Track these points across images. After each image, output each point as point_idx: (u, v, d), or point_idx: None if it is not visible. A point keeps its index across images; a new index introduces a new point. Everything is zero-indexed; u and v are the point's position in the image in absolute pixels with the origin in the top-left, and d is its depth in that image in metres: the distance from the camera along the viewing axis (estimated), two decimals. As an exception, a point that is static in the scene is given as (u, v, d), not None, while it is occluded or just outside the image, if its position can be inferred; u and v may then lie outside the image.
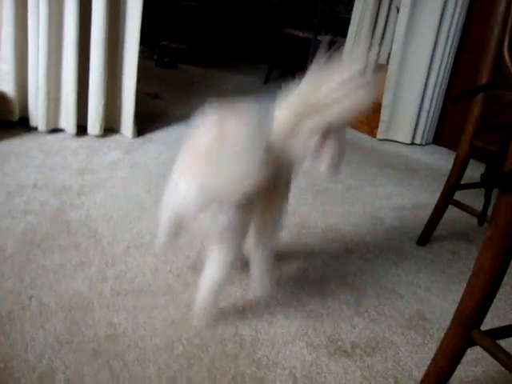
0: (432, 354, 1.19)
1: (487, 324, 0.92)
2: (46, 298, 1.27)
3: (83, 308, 1.25)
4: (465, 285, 1.65)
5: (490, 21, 1.60)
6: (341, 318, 1.38)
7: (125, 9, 2.37)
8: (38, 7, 2.21)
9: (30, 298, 1.26)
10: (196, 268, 1.46)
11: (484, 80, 1.63)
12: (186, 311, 1.29)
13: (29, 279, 1.33)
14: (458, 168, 1.75)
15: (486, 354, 0.88)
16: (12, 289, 1.28)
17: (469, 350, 0.91)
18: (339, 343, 1.28)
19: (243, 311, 1.33)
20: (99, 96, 2.39)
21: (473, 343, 0.88)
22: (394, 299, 1.52)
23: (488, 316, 0.90)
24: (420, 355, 1.28)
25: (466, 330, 0.88)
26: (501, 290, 0.89)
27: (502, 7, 1.55)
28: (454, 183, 1.77)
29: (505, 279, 0.87)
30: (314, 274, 1.58)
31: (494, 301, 0.88)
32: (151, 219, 1.75)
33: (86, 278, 1.37)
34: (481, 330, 0.87)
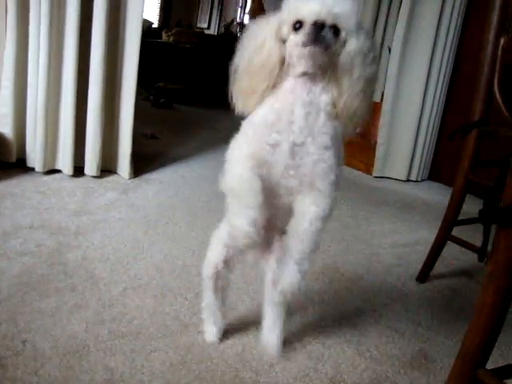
0: (437, 395, 1.16)
1: (492, 362, 0.90)
2: (41, 342, 1.24)
3: (79, 352, 1.22)
4: (467, 322, 1.62)
5: (479, 58, 1.64)
6: (342, 358, 1.35)
7: (123, 51, 2.42)
8: (38, 49, 2.26)
9: (24, 342, 1.23)
10: (194, 310, 1.44)
11: (477, 116, 1.65)
12: (185, 354, 1.26)
13: (23, 323, 1.30)
14: (455, 203, 1.76)
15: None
16: (5, 333, 1.25)
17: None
18: (341, 385, 1.25)
19: (243, 352, 1.30)
20: (96, 137, 2.41)
21: (478, 382, 0.86)
22: (395, 338, 1.49)
23: (493, 353, 0.89)
24: (424, 396, 1.25)
25: (471, 370, 0.86)
26: (505, 327, 0.87)
27: (490, 46, 1.59)
28: (451, 219, 1.77)
29: (509, 316, 0.85)
30: (314, 313, 1.56)
31: (499, 337, 0.86)
32: (148, 260, 1.74)
33: (83, 321, 1.34)
34: (487, 369, 0.85)
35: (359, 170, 3.53)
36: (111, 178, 2.54)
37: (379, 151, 3.40)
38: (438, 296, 1.81)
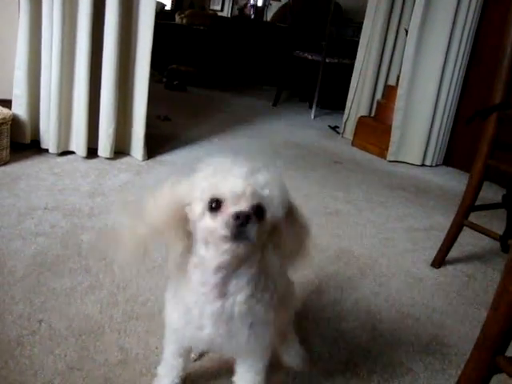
0: (452, 381, 1.15)
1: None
2: (56, 322, 1.25)
3: (94, 332, 1.23)
4: (482, 308, 1.61)
5: (501, 40, 1.59)
6: (356, 343, 1.35)
7: (136, 33, 2.40)
8: (51, 33, 2.24)
9: (40, 322, 1.24)
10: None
11: (497, 99, 1.61)
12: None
13: (39, 303, 1.31)
14: (473, 188, 1.72)
15: (512, 382, 0.85)
16: (22, 313, 1.26)
17: (494, 377, 0.88)
18: (356, 369, 1.24)
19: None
20: (110, 119, 2.40)
21: (498, 370, 0.84)
22: (409, 323, 1.48)
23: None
24: (439, 382, 1.24)
25: (490, 356, 0.85)
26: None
27: (513, 27, 1.55)
28: (469, 204, 1.74)
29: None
30: (328, 297, 1.55)
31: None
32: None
33: (97, 302, 1.35)
34: (506, 356, 0.84)
35: (373, 153, 3.49)
36: (125, 160, 2.53)
37: (394, 135, 3.36)
38: (453, 282, 1.79)
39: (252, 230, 0.69)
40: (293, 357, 1.15)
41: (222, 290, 0.80)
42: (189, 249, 0.79)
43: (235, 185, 0.70)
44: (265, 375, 0.98)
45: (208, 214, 0.72)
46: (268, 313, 0.86)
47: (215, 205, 0.71)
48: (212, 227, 0.72)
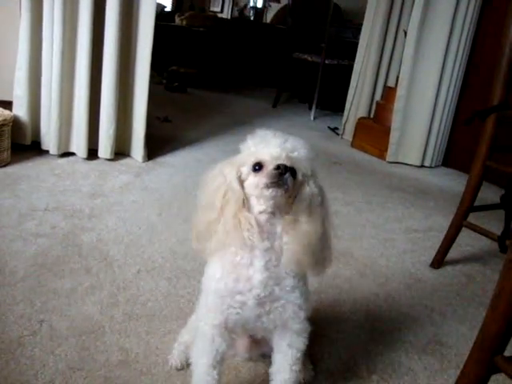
0: (451, 381, 1.16)
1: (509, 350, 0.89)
2: (57, 322, 1.25)
3: (94, 333, 1.23)
4: (481, 308, 1.62)
5: (500, 41, 1.60)
6: (355, 343, 1.36)
7: (137, 34, 2.41)
8: (52, 34, 2.25)
9: (41, 322, 1.24)
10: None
11: (496, 100, 1.62)
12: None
13: (40, 303, 1.31)
14: (472, 189, 1.73)
15: (511, 381, 0.86)
16: (23, 313, 1.27)
17: (492, 377, 0.88)
18: (355, 369, 1.25)
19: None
20: (110, 120, 2.41)
21: (496, 370, 0.85)
22: (409, 323, 1.49)
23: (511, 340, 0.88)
24: (439, 382, 1.25)
25: (488, 356, 0.86)
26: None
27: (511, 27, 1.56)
28: (468, 204, 1.75)
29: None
30: (328, 298, 1.56)
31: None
32: (162, 243, 1.74)
33: (97, 302, 1.35)
34: (505, 356, 0.85)
35: (372, 154, 3.50)
36: (125, 161, 2.54)
37: (393, 136, 3.37)
38: (452, 282, 1.80)
39: (289, 178, 0.86)
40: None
41: (271, 231, 0.92)
42: (242, 209, 0.92)
43: (273, 150, 0.88)
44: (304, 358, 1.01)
45: (252, 174, 0.90)
46: (304, 274, 0.99)
47: (258, 167, 0.89)
48: (256, 181, 0.89)
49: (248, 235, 0.90)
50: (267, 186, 0.87)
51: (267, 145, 0.90)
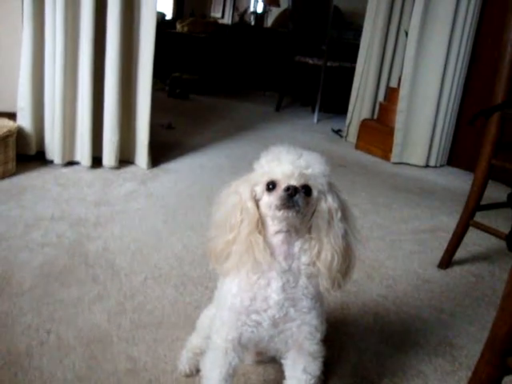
0: (462, 383, 1.15)
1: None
2: (65, 332, 1.25)
3: (102, 342, 1.23)
4: (490, 308, 1.60)
5: (501, 38, 1.59)
6: (365, 346, 1.34)
7: (138, 42, 2.42)
8: (54, 44, 2.27)
9: (49, 332, 1.24)
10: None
11: (499, 99, 1.61)
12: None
13: (47, 313, 1.31)
14: (478, 188, 1.72)
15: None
16: (30, 323, 1.26)
17: (505, 378, 0.87)
18: (365, 373, 1.24)
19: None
20: (114, 128, 2.42)
21: (509, 371, 0.84)
22: (418, 325, 1.48)
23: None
24: (450, 384, 1.24)
25: (500, 357, 0.84)
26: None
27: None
28: (474, 204, 1.73)
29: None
30: (336, 301, 1.55)
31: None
32: (168, 250, 1.74)
33: (105, 311, 1.35)
34: (516, 357, 0.84)
35: (377, 156, 3.49)
36: (129, 169, 2.54)
37: (397, 137, 3.36)
38: (461, 282, 1.79)
39: (299, 199, 0.84)
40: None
41: (288, 251, 0.91)
42: (257, 228, 0.91)
43: (285, 168, 0.86)
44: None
45: (266, 193, 0.88)
46: (321, 295, 0.97)
47: (272, 186, 0.87)
48: (269, 201, 0.87)
49: (259, 257, 0.88)
50: (278, 208, 0.86)
51: (280, 163, 0.88)
